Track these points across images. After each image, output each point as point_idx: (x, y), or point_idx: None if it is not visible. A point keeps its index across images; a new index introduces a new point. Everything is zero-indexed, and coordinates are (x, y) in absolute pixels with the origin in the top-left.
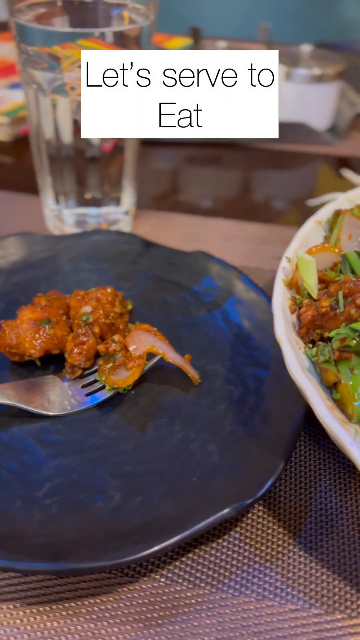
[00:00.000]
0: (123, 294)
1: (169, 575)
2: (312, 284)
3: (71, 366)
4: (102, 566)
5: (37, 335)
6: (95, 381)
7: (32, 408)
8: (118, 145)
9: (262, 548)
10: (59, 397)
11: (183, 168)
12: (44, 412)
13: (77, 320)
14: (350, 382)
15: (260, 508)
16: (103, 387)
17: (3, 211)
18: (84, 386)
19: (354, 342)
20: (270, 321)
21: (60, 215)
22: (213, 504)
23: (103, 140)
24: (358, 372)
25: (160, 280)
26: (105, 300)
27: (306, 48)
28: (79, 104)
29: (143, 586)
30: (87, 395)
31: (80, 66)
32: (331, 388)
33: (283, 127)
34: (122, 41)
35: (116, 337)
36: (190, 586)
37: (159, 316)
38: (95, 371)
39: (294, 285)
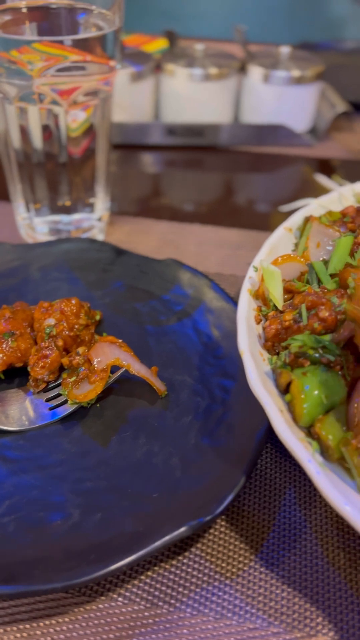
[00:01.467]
0: (89, 304)
1: (127, 594)
2: (277, 296)
3: (35, 380)
4: (54, 588)
5: None
6: (60, 394)
7: None
8: (89, 149)
9: (223, 565)
10: (20, 412)
11: (162, 172)
12: (4, 428)
13: (41, 332)
14: (301, 383)
15: (223, 523)
16: (67, 401)
17: None
18: (48, 400)
19: (313, 352)
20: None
21: (31, 224)
22: (172, 521)
23: (74, 143)
24: (311, 375)
25: (131, 288)
26: (70, 312)
27: (285, 49)
28: (49, 111)
29: (100, 606)
30: (50, 409)
31: (51, 72)
32: (284, 391)
33: (262, 129)
34: (87, 47)
35: (80, 350)
36: (148, 605)
37: (129, 325)
38: (60, 384)
39: (260, 296)
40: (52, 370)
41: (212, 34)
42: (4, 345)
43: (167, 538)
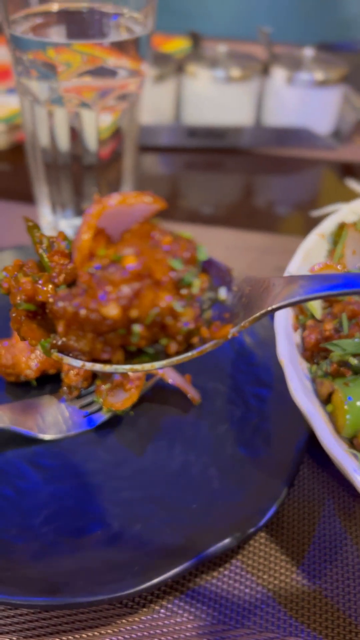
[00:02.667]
0: None
1: (169, 606)
2: (315, 305)
3: (68, 387)
4: (100, 600)
5: (33, 356)
6: (94, 401)
7: (27, 431)
8: (116, 152)
9: (265, 577)
10: (55, 419)
11: (183, 174)
12: (40, 436)
13: None
14: (343, 393)
15: (262, 534)
16: (101, 408)
17: None
18: (81, 407)
19: (356, 361)
20: (273, 337)
21: (57, 227)
22: (214, 533)
23: (101, 145)
24: (354, 386)
25: None
26: None
27: (308, 51)
28: (76, 113)
29: (142, 617)
30: (85, 417)
31: (84, 75)
32: (325, 401)
33: (284, 131)
34: (122, 49)
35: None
36: (190, 617)
37: None
38: (94, 391)
39: (297, 305)
40: (86, 377)
41: (224, 33)
42: (38, 352)
43: (211, 550)
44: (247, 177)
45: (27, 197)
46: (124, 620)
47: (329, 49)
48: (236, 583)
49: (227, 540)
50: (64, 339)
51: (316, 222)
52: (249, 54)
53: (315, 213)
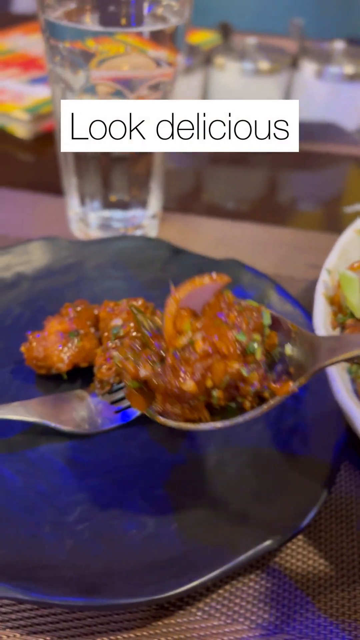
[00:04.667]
0: (154, 305)
1: (206, 608)
2: (355, 303)
3: (100, 381)
4: (140, 602)
5: (65, 348)
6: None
7: (60, 426)
8: None
9: (303, 581)
10: (87, 414)
11: (207, 168)
12: (73, 430)
13: (107, 333)
14: None
15: (300, 537)
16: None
17: (24, 212)
18: (113, 402)
19: None
20: None
21: (85, 219)
22: (253, 534)
23: None
24: None
25: None
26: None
27: (339, 45)
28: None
29: (179, 620)
30: (117, 412)
31: (113, 64)
32: None
33: (312, 126)
34: (158, 39)
35: None
36: (228, 621)
37: None
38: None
39: (336, 303)
40: (118, 372)
41: (253, 27)
42: (70, 345)
43: (251, 552)
44: (273, 172)
45: (53, 188)
46: (159, 623)
47: (357, 43)
48: (274, 586)
49: (268, 543)
50: (160, 407)
51: (344, 218)
52: (278, 47)
53: (350, 209)
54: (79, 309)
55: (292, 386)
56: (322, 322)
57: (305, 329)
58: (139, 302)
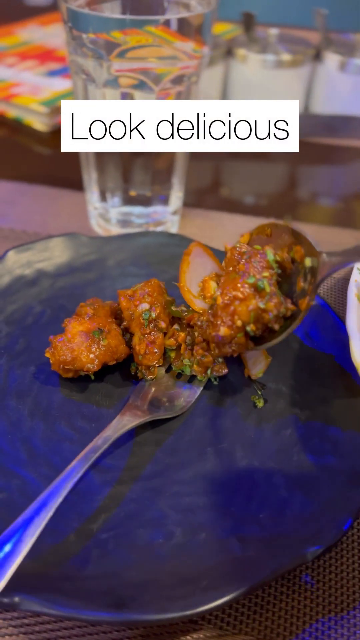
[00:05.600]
0: (164, 283)
1: (235, 622)
2: None
3: (147, 368)
4: (170, 618)
5: (92, 348)
6: (181, 373)
7: (162, 414)
8: None
9: (337, 595)
10: (168, 397)
11: (226, 163)
12: (172, 414)
13: (137, 320)
14: None
15: (334, 549)
16: (194, 377)
17: (43, 207)
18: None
19: None
20: (336, 336)
21: (106, 214)
22: (286, 546)
23: None
24: None
25: None
26: (157, 293)
27: None
28: (130, 95)
29: (207, 634)
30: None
31: (137, 55)
32: None
33: (335, 120)
34: (184, 30)
35: (177, 326)
36: (260, 636)
37: None
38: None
39: None
40: (162, 353)
41: (274, 19)
42: (96, 344)
43: (285, 565)
44: (295, 167)
45: (72, 183)
46: (188, 637)
47: None
48: (306, 600)
49: (303, 555)
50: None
51: None
52: (301, 39)
53: None
54: (95, 307)
55: (307, 300)
56: (357, 324)
57: (334, 329)
58: (153, 282)
